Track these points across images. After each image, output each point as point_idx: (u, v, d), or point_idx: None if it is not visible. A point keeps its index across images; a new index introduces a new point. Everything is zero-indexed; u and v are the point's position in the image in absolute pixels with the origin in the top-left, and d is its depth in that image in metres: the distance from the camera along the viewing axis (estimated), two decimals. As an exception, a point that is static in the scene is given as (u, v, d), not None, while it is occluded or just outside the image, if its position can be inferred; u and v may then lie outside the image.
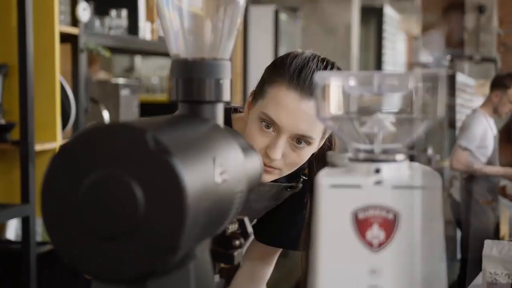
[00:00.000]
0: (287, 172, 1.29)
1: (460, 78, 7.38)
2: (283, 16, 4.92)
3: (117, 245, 0.62)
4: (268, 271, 1.54)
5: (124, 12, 2.98)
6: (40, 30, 2.45)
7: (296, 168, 1.31)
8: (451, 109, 7.31)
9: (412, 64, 9.60)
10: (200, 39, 0.83)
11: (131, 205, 0.61)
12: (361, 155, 0.72)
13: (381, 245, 0.68)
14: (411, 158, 0.74)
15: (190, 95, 0.81)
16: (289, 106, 1.22)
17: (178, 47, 0.83)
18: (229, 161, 0.74)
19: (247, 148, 0.87)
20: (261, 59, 4.89)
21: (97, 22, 2.92)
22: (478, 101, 8.65)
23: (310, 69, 1.25)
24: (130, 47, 3.08)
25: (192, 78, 0.81)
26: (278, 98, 1.23)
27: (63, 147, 0.63)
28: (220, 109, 0.83)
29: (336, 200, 0.69)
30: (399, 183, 0.68)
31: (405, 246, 0.68)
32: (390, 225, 0.68)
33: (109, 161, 0.62)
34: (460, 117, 7.47)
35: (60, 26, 2.54)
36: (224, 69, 0.82)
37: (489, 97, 4.36)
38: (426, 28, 9.88)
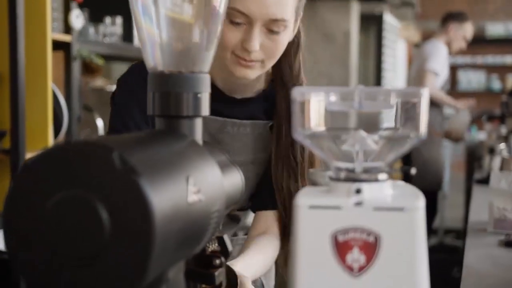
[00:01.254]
0: (270, 63, 1.25)
1: (388, 18, 7.38)
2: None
3: (82, 268, 0.59)
4: (276, 244, 1.36)
5: (118, 20, 2.96)
6: (32, 37, 2.42)
7: (277, 58, 1.26)
8: (379, 49, 7.38)
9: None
10: (178, 51, 0.80)
11: (96, 228, 0.58)
12: (342, 174, 0.69)
13: (361, 269, 0.65)
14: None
15: (167, 110, 0.78)
16: None
17: (155, 59, 0.80)
18: (205, 180, 0.70)
19: (227, 165, 0.84)
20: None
21: (91, 29, 2.89)
22: (401, 43, 8.65)
23: None
24: (124, 54, 3.05)
25: (169, 92, 0.78)
26: None
27: (26, 165, 0.60)
28: (198, 124, 0.80)
29: (315, 222, 0.66)
30: (380, 204, 0.65)
31: (387, 270, 0.65)
32: (371, 249, 0.65)
33: (74, 180, 0.59)
34: (385, 58, 7.50)
35: (53, 33, 2.51)
36: (202, 83, 0.79)
37: (443, 31, 4.46)
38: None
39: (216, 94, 1.31)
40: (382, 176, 0.68)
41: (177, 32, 0.79)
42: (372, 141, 0.69)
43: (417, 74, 4.34)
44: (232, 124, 1.34)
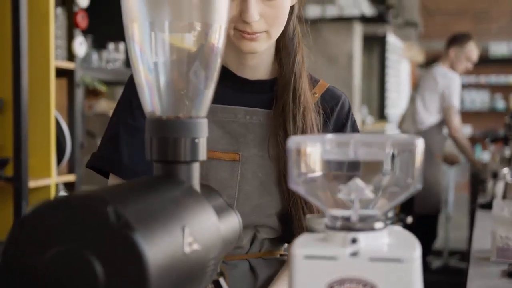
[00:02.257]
0: (276, 32, 1.18)
1: (391, 39, 7.39)
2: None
3: (77, 323, 0.59)
4: None
5: (122, 46, 2.98)
6: (36, 64, 2.44)
7: (282, 25, 1.18)
8: (382, 69, 7.40)
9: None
10: (175, 97, 0.80)
11: (91, 283, 0.58)
12: (338, 223, 0.69)
13: (357, 321, 0.65)
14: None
15: (165, 155, 0.78)
16: None
17: (153, 104, 0.80)
18: (201, 228, 0.71)
19: (224, 208, 0.84)
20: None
21: (94, 56, 2.91)
22: (405, 63, 8.67)
23: None
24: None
25: (167, 138, 0.78)
26: None
27: (23, 219, 0.60)
28: (196, 169, 0.80)
29: (311, 272, 0.66)
30: (376, 254, 0.65)
31: (383, 321, 0.64)
32: (367, 300, 0.64)
33: (69, 235, 0.59)
34: (388, 79, 7.51)
35: (56, 61, 2.53)
36: (200, 128, 0.80)
37: (446, 54, 4.53)
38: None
39: (226, 75, 1.24)
40: (378, 224, 0.68)
41: (175, 77, 0.80)
42: (368, 190, 0.69)
43: (432, 105, 4.36)
44: (244, 112, 1.23)
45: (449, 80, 4.39)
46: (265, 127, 1.22)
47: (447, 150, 4.68)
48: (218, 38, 0.80)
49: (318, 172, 0.70)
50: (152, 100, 0.80)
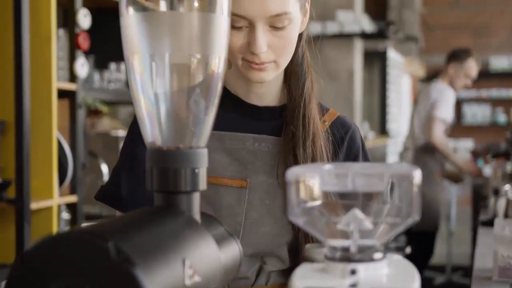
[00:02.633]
0: (284, 62, 1.16)
1: (392, 54, 7.40)
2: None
3: None
4: None
5: (123, 65, 2.99)
6: (38, 86, 2.45)
7: (291, 54, 1.16)
8: (383, 84, 7.41)
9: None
10: (175, 127, 0.81)
11: (93, 317, 0.58)
12: (337, 254, 0.69)
13: None
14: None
15: (166, 185, 0.79)
16: None
17: (154, 135, 0.81)
18: (202, 259, 0.71)
19: (224, 237, 0.84)
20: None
21: (96, 76, 2.93)
22: (406, 78, 8.68)
23: None
24: (129, 99, 3.08)
25: (167, 168, 0.79)
26: None
27: (24, 255, 0.61)
28: (196, 198, 0.80)
29: (310, 303, 0.66)
30: (376, 285, 0.66)
31: None
32: (367, 331, 0.65)
33: (70, 270, 0.60)
34: (389, 94, 7.52)
35: (58, 82, 2.54)
36: (200, 158, 0.80)
37: (445, 70, 4.52)
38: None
39: (236, 102, 1.25)
40: (378, 255, 0.69)
41: (175, 108, 0.81)
42: (367, 221, 0.69)
43: (425, 119, 4.38)
44: (252, 140, 1.22)
45: (441, 93, 4.40)
46: (273, 154, 1.21)
47: (450, 168, 4.68)
48: (218, 67, 0.81)
49: (317, 203, 0.71)
50: (152, 131, 0.81)
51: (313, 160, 1.18)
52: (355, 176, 0.69)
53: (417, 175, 0.68)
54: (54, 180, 2.48)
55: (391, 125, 7.74)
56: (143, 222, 0.70)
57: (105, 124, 3.64)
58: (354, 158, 1.26)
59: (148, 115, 0.81)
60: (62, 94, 2.61)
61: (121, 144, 3.03)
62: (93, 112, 3.52)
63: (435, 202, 4.38)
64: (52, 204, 2.49)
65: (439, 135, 4.30)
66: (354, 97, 5.68)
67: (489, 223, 2.89)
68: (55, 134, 2.48)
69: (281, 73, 1.24)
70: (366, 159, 1.28)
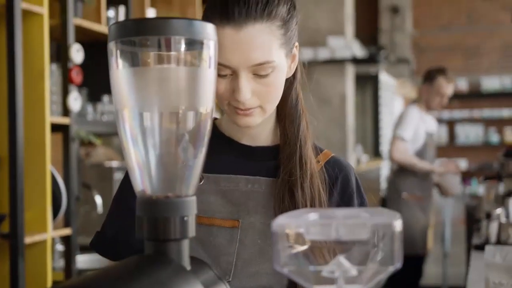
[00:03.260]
0: (270, 107, 1.17)
1: (383, 77, 7.45)
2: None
3: None
4: None
5: (116, 97, 3.02)
6: (31, 121, 2.47)
7: (277, 100, 1.17)
8: (375, 107, 7.43)
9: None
10: (165, 177, 0.83)
11: None
12: (323, 302, 0.71)
13: None
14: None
15: (155, 234, 0.81)
16: (228, 42, 1.11)
17: (143, 184, 0.83)
18: (191, 309, 0.73)
19: (214, 281, 0.86)
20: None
21: (89, 108, 2.95)
22: (399, 100, 8.72)
23: None
24: (122, 131, 3.09)
25: (157, 217, 0.81)
26: (219, 41, 1.14)
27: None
28: (185, 245, 0.83)
29: None
30: (360, 333, 0.68)
31: None
32: None
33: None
34: (382, 116, 7.54)
35: (52, 116, 2.56)
36: (189, 206, 0.83)
37: (420, 93, 4.52)
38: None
39: (230, 144, 1.27)
40: (362, 301, 0.71)
41: (164, 159, 0.83)
42: (352, 267, 0.71)
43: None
44: (245, 181, 1.23)
45: (405, 112, 4.42)
46: (266, 194, 1.22)
47: (441, 181, 4.66)
48: (206, 118, 0.84)
49: (302, 252, 0.73)
50: (142, 180, 0.83)
51: (312, 200, 1.20)
52: (338, 225, 0.71)
53: (398, 224, 0.70)
54: (48, 214, 2.49)
55: (384, 147, 7.78)
56: (131, 272, 0.72)
57: (99, 153, 3.66)
58: (349, 198, 1.27)
59: (138, 165, 0.83)
60: (56, 128, 2.63)
61: (115, 175, 3.05)
62: (88, 142, 3.54)
63: (414, 226, 4.34)
64: (46, 238, 2.50)
65: (398, 152, 4.27)
66: (347, 121, 5.72)
67: (482, 247, 2.91)
68: (49, 168, 2.50)
69: (273, 113, 1.26)
70: (361, 199, 1.28)
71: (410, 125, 4.28)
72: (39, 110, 2.48)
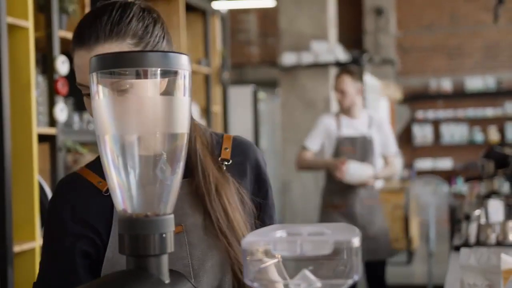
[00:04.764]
0: None
1: (368, 79, 7.55)
2: (261, 95, 5.04)
3: None
4: None
5: (102, 106, 3.08)
6: (19, 132, 2.52)
7: None
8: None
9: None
10: (144, 197, 0.90)
11: None
12: (289, 312, 0.78)
13: None
14: None
15: (136, 250, 0.87)
16: (82, 63, 1.18)
17: (124, 204, 0.90)
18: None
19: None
20: (241, 138, 5.02)
21: (76, 117, 3.01)
22: (384, 101, 8.81)
23: (93, 13, 1.20)
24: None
25: (137, 235, 0.87)
26: (75, 62, 1.20)
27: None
28: (164, 260, 0.89)
29: None
30: None
31: None
32: None
33: None
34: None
35: (38, 127, 2.61)
36: (167, 223, 0.89)
37: None
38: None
39: None
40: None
41: (143, 180, 0.89)
42: (316, 280, 0.78)
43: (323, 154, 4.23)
44: None
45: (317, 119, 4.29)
46: (192, 194, 1.26)
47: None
48: (182, 142, 0.90)
49: (269, 267, 0.80)
50: (123, 200, 0.89)
51: (225, 211, 1.25)
52: (303, 242, 0.78)
53: (356, 240, 0.77)
54: (36, 223, 2.55)
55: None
56: (113, 287, 0.79)
57: (87, 160, 3.71)
58: (263, 181, 1.34)
59: (118, 186, 0.89)
60: (42, 138, 2.68)
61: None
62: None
63: (377, 228, 4.14)
64: (34, 246, 2.56)
65: (299, 160, 4.13)
66: (331, 123, 5.79)
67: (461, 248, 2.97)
68: (36, 177, 2.55)
69: None
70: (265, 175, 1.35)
71: (315, 135, 4.13)
72: (26, 121, 2.54)
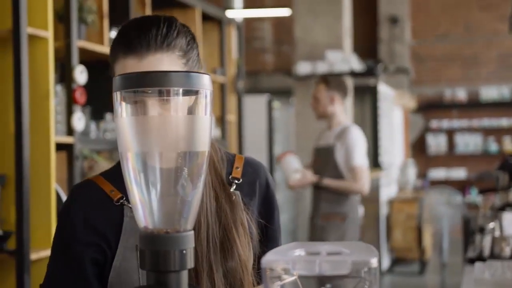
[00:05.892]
0: None
1: (382, 88, 7.53)
2: (276, 104, 5.06)
3: None
4: None
5: (119, 115, 3.11)
6: (37, 140, 2.55)
7: None
8: (374, 118, 7.44)
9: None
10: (165, 213, 0.91)
11: None
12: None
13: None
14: None
15: (156, 266, 0.89)
16: (130, 71, 1.16)
17: (146, 220, 0.91)
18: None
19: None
20: (255, 147, 5.04)
21: (93, 126, 3.04)
22: (398, 110, 8.78)
23: (140, 23, 1.22)
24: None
25: (158, 251, 0.89)
26: (121, 70, 1.19)
27: None
28: (184, 276, 0.90)
29: None
30: None
31: None
32: None
33: None
34: (381, 127, 7.58)
35: (56, 136, 2.65)
36: (187, 240, 0.91)
37: None
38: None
39: None
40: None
41: (165, 197, 0.91)
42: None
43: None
44: None
45: None
46: None
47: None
48: (203, 158, 0.92)
49: (289, 285, 0.81)
50: (145, 217, 0.91)
51: (225, 229, 1.25)
52: (322, 261, 0.80)
53: (374, 261, 0.78)
54: (53, 231, 2.57)
55: (384, 158, 7.85)
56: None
57: (102, 167, 3.74)
58: (270, 201, 1.35)
59: (140, 203, 0.91)
60: (60, 146, 2.72)
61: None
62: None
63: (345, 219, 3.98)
64: (51, 254, 2.58)
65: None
66: (346, 133, 5.79)
67: (475, 261, 2.97)
68: (54, 186, 2.58)
69: None
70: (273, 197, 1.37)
71: None
72: (45, 130, 2.57)
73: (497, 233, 3.01)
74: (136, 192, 0.91)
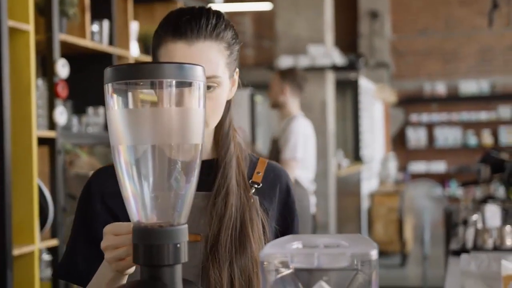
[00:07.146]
0: (213, 122, 1.24)
1: (363, 82, 7.59)
2: (258, 98, 5.05)
3: None
4: None
5: (101, 110, 3.08)
6: (19, 135, 2.52)
7: (218, 117, 1.24)
8: (355, 112, 7.49)
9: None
10: (158, 207, 0.90)
11: None
12: (304, 324, 0.78)
13: None
14: None
15: (150, 260, 0.88)
16: (180, 55, 1.19)
17: (139, 214, 0.90)
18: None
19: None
20: (238, 141, 5.02)
21: (75, 120, 3.00)
22: (378, 104, 8.84)
23: (191, 11, 1.23)
24: (107, 142, 3.16)
25: (151, 245, 0.88)
26: (167, 54, 1.20)
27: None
28: (178, 270, 0.89)
29: None
30: None
31: None
32: None
33: None
34: (362, 121, 7.63)
35: (38, 130, 2.61)
36: (181, 233, 0.89)
37: None
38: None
39: None
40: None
41: (158, 191, 0.90)
42: (331, 291, 0.79)
43: None
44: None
45: None
46: (197, 208, 1.25)
47: None
48: (196, 151, 0.91)
49: (287, 277, 0.80)
50: (137, 211, 0.90)
51: (221, 217, 1.24)
52: (320, 254, 0.79)
53: (374, 253, 0.78)
54: (35, 226, 2.54)
55: (365, 151, 7.88)
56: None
57: (83, 161, 3.70)
58: (290, 209, 1.35)
59: (133, 197, 0.90)
60: (42, 141, 2.68)
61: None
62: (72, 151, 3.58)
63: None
64: (34, 249, 2.55)
65: None
66: (327, 127, 5.80)
67: (459, 253, 2.98)
68: (36, 181, 2.55)
69: (212, 130, 1.30)
70: (293, 206, 1.37)
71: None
72: (26, 124, 2.53)
73: (479, 225, 3.03)
74: (128, 185, 0.89)
